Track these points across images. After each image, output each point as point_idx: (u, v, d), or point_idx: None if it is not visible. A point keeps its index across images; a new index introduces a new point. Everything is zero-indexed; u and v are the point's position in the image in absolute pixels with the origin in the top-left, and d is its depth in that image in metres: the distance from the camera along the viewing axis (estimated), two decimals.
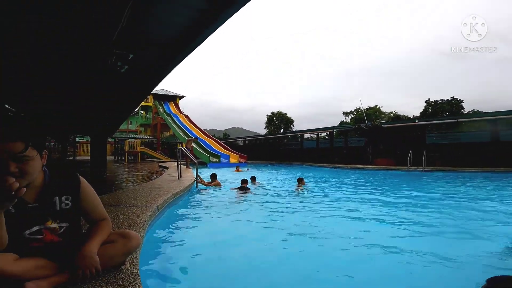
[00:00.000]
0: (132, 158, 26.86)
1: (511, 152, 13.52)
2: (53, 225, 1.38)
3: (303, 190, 7.88)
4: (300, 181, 8.45)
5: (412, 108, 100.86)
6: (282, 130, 46.26)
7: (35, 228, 1.34)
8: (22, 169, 1.20)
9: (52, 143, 30.80)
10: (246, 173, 12.43)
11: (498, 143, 14.47)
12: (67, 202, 1.42)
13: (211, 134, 40.86)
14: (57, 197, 1.40)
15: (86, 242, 1.40)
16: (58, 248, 1.39)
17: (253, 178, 9.18)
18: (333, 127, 24.33)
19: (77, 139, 30.57)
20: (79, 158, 28.80)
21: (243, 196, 6.77)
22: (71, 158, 26.02)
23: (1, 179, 1.08)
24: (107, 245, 1.49)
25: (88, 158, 10.17)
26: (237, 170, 14.32)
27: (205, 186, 7.72)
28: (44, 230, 1.36)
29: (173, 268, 2.56)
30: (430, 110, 39.06)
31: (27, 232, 1.32)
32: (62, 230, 1.42)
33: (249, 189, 7.69)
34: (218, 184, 8.05)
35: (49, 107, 8.75)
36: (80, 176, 1.50)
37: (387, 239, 3.45)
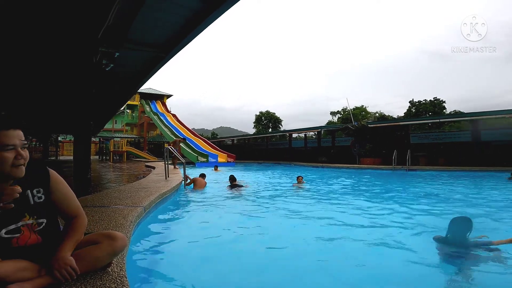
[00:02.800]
0: (118, 158, 26.31)
1: (491, 151, 14.08)
2: (30, 221, 1.35)
3: (302, 187, 8.02)
4: (299, 179, 8.56)
5: (396, 108, 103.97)
6: (270, 130, 46.39)
7: (12, 226, 1.30)
8: (25, 156, 1.30)
9: (33, 143, 29.78)
10: (224, 173, 12.43)
11: (479, 143, 15.01)
12: (39, 195, 1.39)
13: (199, 133, 40.50)
14: (29, 191, 1.37)
15: (60, 245, 1.38)
16: (40, 250, 1.36)
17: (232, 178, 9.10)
18: (321, 127, 24.62)
19: (59, 138, 29.65)
20: (61, 158, 27.95)
21: (232, 195, 6.76)
22: (53, 158, 25.23)
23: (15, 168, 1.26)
24: (92, 247, 1.45)
25: (71, 158, 9.90)
26: (216, 169, 14.42)
27: (190, 188, 7.49)
28: (22, 228, 1.33)
29: (161, 269, 2.54)
30: (414, 110, 40.09)
31: (4, 231, 1.28)
32: (41, 227, 1.39)
33: (241, 186, 7.70)
34: (201, 184, 7.69)
35: (29, 104, 8.44)
36: (49, 169, 1.47)
37: (375, 237, 3.53)
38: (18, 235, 1.32)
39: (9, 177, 1.29)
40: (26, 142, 1.32)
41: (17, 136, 1.27)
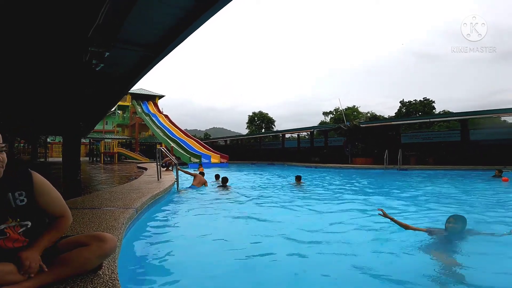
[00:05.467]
0: (109, 159, 25.93)
1: (479, 150, 14.38)
2: (13, 223, 1.34)
3: (301, 187, 8.07)
4: (298, 179, 8.61)
5: (387, 108, 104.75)
6: (263, 130, 46.43)
7: None
8: (2, 158, 1.29)
9: (21, 144, 29.09)
10: (208, 173, 12.43)
11: (468, 143, 15.32)
12: (21, 198, 1.36)
13: (192, 134, 40.24)
14: (10, 194, 1.34)
15: (36, 239, 1.37)
16: None
17: (217, 176, 9.22)
18: (314, 127, 24.76)
19: (48, 139, 29.06)
20: (50, 159, 27.41)
21: (223, 195, 6.73)
22: (42, 160, 24.72)
23: None
24: (81, 249, 1.42)
25: (60, 159, 9.72)
26: (200, 169, 14.60)
27: (185, 187, 7.61)
28: (6, 230, 1.32)
29: (153, 271, 2.50)
30: (404, 110, 40.70)
31: None
32: (24, 228, 1.37)
33: (228, 186, 7.70)
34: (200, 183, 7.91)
35: (17, 104, 8.26)
36: (32, 171, 1.44)
37: (370, 236, 3.56)
38: (3, 237, 1.31)
39: None
40: (3, 145, 1.32)
41: None
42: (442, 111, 39.10)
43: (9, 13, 3.32)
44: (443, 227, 3.20)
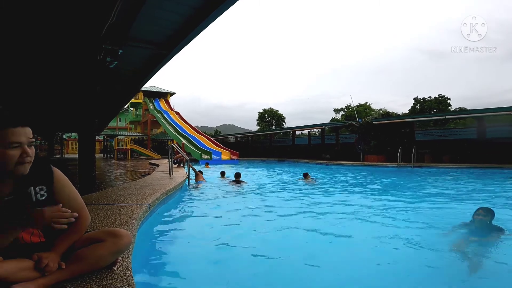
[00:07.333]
0: (122, 155, 26.44)
1: (496, 148, 13.89)
2: None
3: (310, 184, 8.08)
4: (306, 175, 8.68)
5: (399, 105, 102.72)
6: (273, 127, 46.27)
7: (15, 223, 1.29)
8: (31, 153, 1.29)
9: (38, 141, 29.98)
10: (214, 170, 12.62)
11: (484, 140, 14.82)
12: (42, 193, 1.38)
13: (203, 131, 40.50)
14: (32, 188, 1.36)
15: (56, 242, 1.37)
16: (43, 248, 1.34)
17: (222, 173, 9.37)
18: (325, 124, 24.48)
19: (64, 136, 29.87)
20: (66, 156, 28.17)
21: (235, 191, 6.76)
22: (58, 156, 25.43)
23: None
24: (96, 245, 1.43)
25: (76, 156, 9.96)
26: (207, 166, 15.26)
27: (196, 182, 7.94)
28: None
29: (167, 267, 2.53)
30: (418, 107, 39.73)
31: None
32: None
33: (243, 182, 7.81)
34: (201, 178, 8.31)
35: (34, 102, 8.49)
36: (53, 167, 1.46)
37: (383, 235, 3.49)
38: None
39: (11, 175, 1.27)
40: (33, 139, 1.31)
41: (25, 133, 1.25)
42: (458, 108, 37.99)
43: (28, 14, 3.39)
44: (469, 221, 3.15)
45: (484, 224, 2.99)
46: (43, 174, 1.41)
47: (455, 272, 2.45)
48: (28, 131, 1.27)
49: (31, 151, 1.28)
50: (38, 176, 1.39)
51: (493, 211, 3.06)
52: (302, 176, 8.93)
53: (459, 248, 2.75)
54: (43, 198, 1.38)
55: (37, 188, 1.37)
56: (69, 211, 1.32)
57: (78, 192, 1.54)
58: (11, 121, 1.23)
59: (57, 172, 1.45)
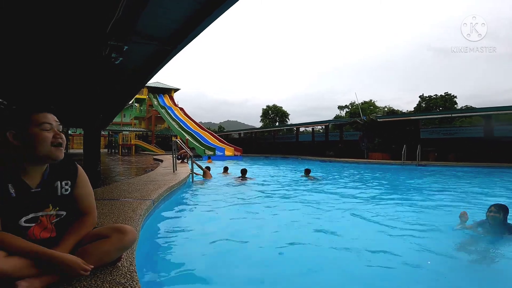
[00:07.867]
0: (126, 151, 26.60)
1: (504, 147, 13.72)
2: (51, 212, 1.39)
3: (313, 180, 8.13)
4: (307, 172, 8.70)
5: (404, 102, 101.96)
6: (277, 124, 46.16)
7: (31, 215, 1.33)
8: (63, 139, 1.38)
9: None
10: (217, 164, 12.74)
11: (491, 139, 14.64)
12: (67, 187, 1.45)
13: (206, 127, 40.55)
14: (58, 182, 1.42)
15: (62, 239, 1.37)
16: (51, 244, 1.34)
17: (225, 169, 9.39)
18: (329, 121, 24.37)
19: (69, 131, 30.10)
20: (71, 151, 28.42)
21: (240, 188, 6.77)
22: (64, 151, 25.63)
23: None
24: (101, 241, 1.44)
25: (81, 151, 10.06)
26: (209, 161, 15.48)
27: (201, 177, 7.98)
28: (41, 218, 1.36)
29: (171, 263, 2.54)
30: (424, 105, 39.30)
31: (24, 219, 1.31)
32: (58, 218, 1.42)
33: (249, 178, 7.85)
34: (208, 176, 8.25)
35: (41, 97, 8.55)
36: (77, 163, 1.54)
37: (387, 236, 3.48)
38: (34, 224, 1.34)
39: (48, 158, 1.34)
40: (61, 125, 1.40)
41: (53, 118, 1.37)
42: (465, 106, 37.52)
43: (34, 11, 3.39)
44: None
45: (497, 221, 2.95)
46: (69, 169, 1.49)
47: (463, 272, 2.43)
48: (55, 117, 1.38)
49: (62, 138, 1.37)
50: (64, 171, 1.46)
51: (507, 208, 3.01)
52: (303, 172, 8.94)
53: (470, 247, 2.74)
54: (67, 192, 1.45)
55: (63, 183, 1.44)
56: (92, 266, 1.34)
57: (93, 192, 1.60)
58: (41, 107, 1.35)
59: (81, 168, 1.53)
